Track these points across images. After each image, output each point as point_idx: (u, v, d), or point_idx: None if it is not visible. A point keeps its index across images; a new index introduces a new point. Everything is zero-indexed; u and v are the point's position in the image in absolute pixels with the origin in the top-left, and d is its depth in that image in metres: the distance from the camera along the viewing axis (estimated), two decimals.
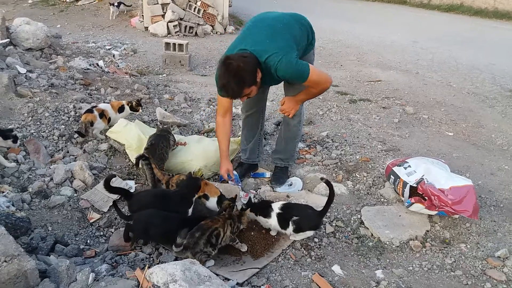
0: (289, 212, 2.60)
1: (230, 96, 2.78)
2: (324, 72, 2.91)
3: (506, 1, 12.16)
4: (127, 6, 8.86)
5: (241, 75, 2.53)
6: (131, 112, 3.98)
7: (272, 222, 2.62)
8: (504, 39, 9.48)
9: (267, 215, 2.63)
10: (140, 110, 4.04)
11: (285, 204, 2.67)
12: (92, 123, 3.57)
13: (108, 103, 3.96)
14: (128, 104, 3.93)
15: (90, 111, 3.62)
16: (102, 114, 3.66)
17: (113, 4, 8.97)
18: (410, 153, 3.93)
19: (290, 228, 2.57)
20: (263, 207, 2.68)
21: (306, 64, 2.70)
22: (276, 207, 2.63)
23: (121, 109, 3.89)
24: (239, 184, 3.19)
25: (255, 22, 2.83)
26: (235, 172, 3.19)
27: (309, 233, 2.65)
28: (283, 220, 2.59)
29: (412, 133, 4.49)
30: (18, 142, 3.21)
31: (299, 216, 2.57)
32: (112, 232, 2.73)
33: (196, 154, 3.41)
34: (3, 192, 2.78)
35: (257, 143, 3.55)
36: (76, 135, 3.62)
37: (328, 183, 2.62)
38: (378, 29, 10.62)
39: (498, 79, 6.57)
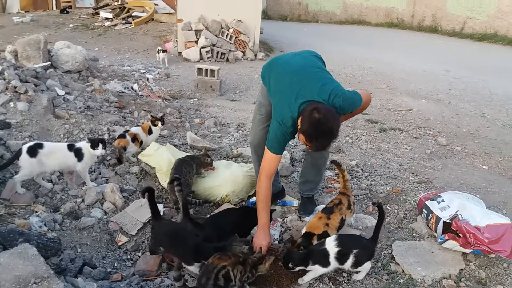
0: (347, 246, 2.49)
1: (315, 150, 2.66)
2: (362, 90, 2.86)
3: None
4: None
5: (334, 132, 2.44)
6: (160, 129, 4.02)
7: (331, 267, 2.51)
8: None
9: (325, 263, 2.49)
10: (160, 125, 3.96)
11: (339, 238, 2.54)
12: (125, 148, 3.66)
13: (139, 126, 4.03)
14: (154, 123, 3.92)
15: (122, 136, 3.71)
16: (135, 138, 3.75)
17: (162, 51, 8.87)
18: (443, 186, 3.82)
19: (349, 262, 2.48)
20: (316, 254, 2.52)
21: (354, 91, 2.70)
22: (331, 246, 2.50)
23: (150, 131, 3.95)
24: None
25: (294, 74, 2.68)
26: None
27: (368, 265, 2.57)
28: (341, 256, 2.48)
29: (445, 165, 4.37)
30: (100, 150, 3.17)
31: (357, 248, 2.49)
32: (139, 256, 2.75)
33: (224, 179, 3.41)
34: (36, 212, 2.85)
35: (276, 173, 3.48)
36: (113, 161, 3.69)
37: (379, 207, 2.62)
38: (408, 57, 10.54)
39: None
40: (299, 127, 2.49)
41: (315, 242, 2.69)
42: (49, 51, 5.79)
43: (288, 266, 2.50)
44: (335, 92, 2.57)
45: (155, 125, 3.96)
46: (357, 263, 2.49)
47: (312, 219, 2.88)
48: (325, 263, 2.48)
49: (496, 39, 12.80)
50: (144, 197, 2.79)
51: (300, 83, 2.61)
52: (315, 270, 2.50)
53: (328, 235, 2.71)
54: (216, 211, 3.16)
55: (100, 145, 3.12)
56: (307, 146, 2.56)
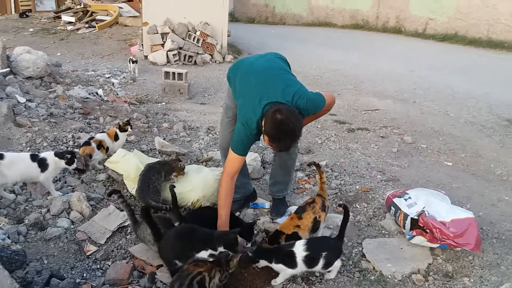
0: (316, 249, 2.50)
1: (279, 150, 2.67)
2: (325, 92, 2.90)
3: (499, 31, 12.39)
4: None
5: (296, 133, 2.47)
6: (126, 135, 3.95)
7: (298, 269, 2.50)
8: (498, 69, 9.60)
9: (291, 264, 2.48)
10: (130, 130, 3.92)
11: (308, 242, 2.54)
12: (90, 156, 3.56)
13: (105, 132, 3.93)
14: (117, 128, 3.88)
15: (87, 143, 3.61)
16: (100, 145, 3.66)
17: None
18: (410, 183, 3.91)
19: (320, 264, 2.49)
20: (282, 253, 2.52)
21: (317, 93, 2.75)
22: (299, 249, 2.48)
23: (116, 137, 3.87)
24: None
25: (258, 75, 2.72)
26: None
27: (338, 263, 2.59)
28: (310, 260, 2.48)
29: (411, 163, 4.49)
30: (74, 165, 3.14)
31: (326, 249, 2.50)
32: (109, 265, 2.68)
33: (194, 184, 3.38)
34: None
35: (247, 175, 3.48)
36: (81, 174, 3.56)
37: (345, 208, 2.68)
38: (374, 58, 10.78)
39: (494, 108, 6.62)
40: (263, 128, 2.52)
41: (282, 241, 2.69)
42: (8, 57, 5.58)
43: (253, 257, 2.53)
44: (298, 94, 2.61)
45: (125, 131, 3.89)
46: (327, 264, 2.51)
47: (285, 219, 2.90)
48: (290, 264, 2.47)
49: (456, 39, 13.26)
50: (110, 197, 2.73)
51: (264, 84, 2.64)
52: (283, 271, 2.50)
53: (299, 236, 2.72)
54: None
55: (75, 160, 3.09)
56: (271, 147, 2.60)
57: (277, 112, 2.41)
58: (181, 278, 2.22)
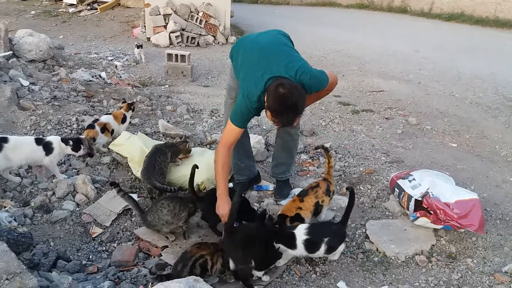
0: (318, 234, 2.48)
1: (282, 125, 2.65)
2: (328, 71, 2.84)
3: (506, 10, 12.19)
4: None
5: (299, 107, 2.44)
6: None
7: (298, 252, 2.48)
8: (505, 48, 9.48)
9: (291, 245, 2.47)
10: (130, 112, 4.00)
11: (310, 227, 2.52)
12: (94, 139, 3.56)
13: (110, 114, 3.92)
14: (126, 110, 3.92)
15: (91, 126, 3.61)
16: (104, 128, 3.65)
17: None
18: (414, 165, 3.90)
19: (322, 250, 2.47)
20: (283, 234, 2.53)
21: (321, 70, 2.70)
22: (300, 233, 2.47)
23: (123, 119, 3.89)
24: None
25: (261, 50, 2.68)
26: None
27: (342, 246, 2.58)
28: (312, 245, 2.46)
29: (416, 145, 4.47)
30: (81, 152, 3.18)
31: (329, 235, 2.48)
32: (115, 247, 2.71)
33: (199, 166, 3.38)
34: (5, 207, 2.77)
35: (251, 158, 3.48)
36: (87, 157, 3.54)
37: (351, 192, 2.62)
38: (379, 38, 10.64)
39: (500, 89, 6.55)
40: (265, 103, 2.50)
41: (288, 223, 2.70)
42: (10, 40, 5.54)
43: None
44: (302, 69, 2.58)
45: (132, 110, 4.01)
46: (330, 249, 2.50)
47: (288, 202, 2.90)
48: (289, 245, 2.47)
49: (463, 19, 13.07)
50: (117, 187, 2.72)
51: (267, 59, 2.61)
52: (284, 252, 2.50)
53: (301, 218, 2.72)
54: None
55: (82, 146, 3.11)
56: (274, 122, 2.57)
57: (280, 86, 2.39)
58: (184, 260, 2.25)
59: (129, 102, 4.01)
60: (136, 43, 8.04)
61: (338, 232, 2.57)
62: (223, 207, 2.63)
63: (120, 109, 3.94)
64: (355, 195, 3.33)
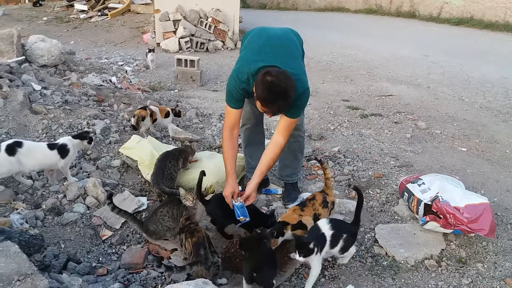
0: (339, 229, 2.46)
1: (271, 114, 2.60)
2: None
3: None
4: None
5: (289, 93, 2.42)
6: (175, 117, 4.54)
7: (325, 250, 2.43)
8: None
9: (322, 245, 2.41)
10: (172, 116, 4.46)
11: (331, 221, 2.49)
12: (143, 118, 4.09)
13: (156, 106, 4.43)
14: (172, 111, 4.44)
15: (144, 108, 4.21)
16: (151, 115, 4.19)
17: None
18: (424, 169, 3.88)
19: (339, 246, 2.45)
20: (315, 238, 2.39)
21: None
22: (325, 228, 2.44)
23: (166, 115, 4.34)
24: (247, 218, 2.68)
25: (268, 39, 2.72)
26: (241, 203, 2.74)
27: (353, 249, 2.59)
28: (334, 239, 2.44)
29: (425, 149, 4.45)
30: (93, 143, 3.32)
31: (346, 232, 2.48)
32: (124, 250, 2.74)
33: (207, 170, 3.37)
34: (17, 209, 2.80)
35: None
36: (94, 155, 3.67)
37: (357, 190, 2.62)
38: (388, 43, 10.63)
39: (510, 93, 6.50)
40: (254, 94, 2.50)
41: (288, 231, 2.63)
42: (23, 46, 5.63)
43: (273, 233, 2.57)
44: (304, 80, 2.61)
45: (179, 116, 4.60)
46: (344, 248, 2.50)
47: (287, 211, 2.85)
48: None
49: (472, 23, 13.00)
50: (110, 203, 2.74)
51: (272, 48, 2.64)
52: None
53: (304, 225, 2.67)
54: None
55: (91, 138, 3.23)
56: (265, 112, 2.57)
57: (267, 75, 2.38)
58: (203, 245, 2.39)
59: (175, 107, 4.61)
60: (148, 48, 8.08)
61: (353, 231, 2.58)
62: (228, 189, 2.69)
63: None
64: (364, 199, 3.35)
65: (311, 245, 2.27)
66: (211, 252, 2.37)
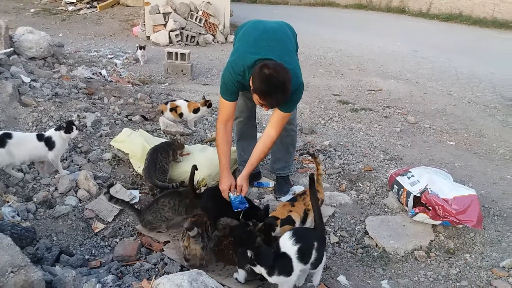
0: (307, 241, 2.18)
1: (269, 107, 2.60)
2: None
3: (504, 10, 12.25)
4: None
5: (286, 85, 2.41)
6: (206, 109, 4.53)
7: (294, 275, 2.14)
8: (502, 48, 9.54)
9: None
10: (206, 108, 4.49)
11: (294, 233, 2.20)
12: (162, 112, 4.33)
13: (186, 101, 4.53)
14: (202, 104, 4.43)
15: (165, 103, 4.42)
16: (173, 109, 4.35)
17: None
18: (413, 162, 3.94)
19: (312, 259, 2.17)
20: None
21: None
22: (286, 243, 2.16)
23: (196, 110, 4.40)
24: (246, 204, 2.73)
25: (263, 32, 2.72)
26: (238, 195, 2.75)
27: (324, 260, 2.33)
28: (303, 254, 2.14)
29: (414, 143, 4.51)
30: (74, 131, 3.08)
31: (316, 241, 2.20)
32: (117, 242, 2.74)
33: (199, 163, 3.37)
34: (8, 202, 2.78)
35: None
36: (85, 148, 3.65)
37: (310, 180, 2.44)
38: (377, 38, 10.68)
39: (498, 88, 6.61)
40: (251, 87, 2.50)
41: (277, 226, 2.59)
42: (10, 37, 5.54)
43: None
44: (299, 75, 2.62)
45: (209, 106, 4.50)
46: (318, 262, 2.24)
47: (277, 207, 2.86)
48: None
49: (461, 19, 13.14)
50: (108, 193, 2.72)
51: (267, 41, 2.64)
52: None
53: (293, 220, 2.64)
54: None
55: (74, 127, 3.06)
56: (263, 106, 2.57)
57: (264, 67, 2.38)
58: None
59: (206, 99, 4.49)
60: (138, 44, 7.90)
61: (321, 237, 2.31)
62: (223, 182, 2.70)
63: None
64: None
65: (248, 254, 2.08)
66: (207, 236, 2.41)
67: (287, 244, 2.14)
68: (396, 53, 9.12)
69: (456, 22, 13.04)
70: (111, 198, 2.71)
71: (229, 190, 2.70)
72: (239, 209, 2.68)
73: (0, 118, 3.59)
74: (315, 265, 2.19)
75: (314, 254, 2.16)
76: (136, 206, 3.05)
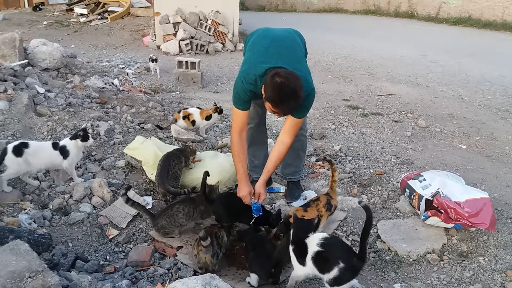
0: (332, 252, 2.09)
1: (282, 115, 2.63)
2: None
3: None
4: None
5: (298, 93, 2.44)
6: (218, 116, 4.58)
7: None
8: None
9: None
10: (217, 115, 4.55)
11: (326, 240, 2.15)
12: (176, 120, 4.43)
13: (199, 108, 4.60)
14: (213, 111, 4.48)
15: (178, 111, 4.53)
16: (186, 116, 4.42)
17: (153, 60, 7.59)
18: (424, 166, 3.93)
19: (332, 273, 2.04)
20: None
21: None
22: (313, 241, 2.16)
23: (208, 117, 4.46)
24: (260, 212, 2.78)
25: (272, 40, 2.76)
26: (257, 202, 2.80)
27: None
28: (323, 262, 2.09)
29: (425, 147, 4.50)
30: (90, 140, 3.16)
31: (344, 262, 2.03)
32: (131, 248, 2.77)
33: (211, 169, 3.41)
34: (25, 209, 2.84)
35: (267, 157, 3.50)
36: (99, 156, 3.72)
37: (367, 209, 2.08)
38: (387, 43, 10.68)
39: (509, 91, 6.56)
40: (263, 95, 2.53)
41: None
42: (25, 49, 5.68)
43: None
44: (310, 81, 2.65)
45: (220, 113, 4.55)
46: (338, 281, 2.07)
47: (291, 211, 2.84)
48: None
49: (470, 23, 13.07)
50: (125, 195, 2.77)
51: (277, 50, 2.68)
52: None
53: None
54: None
55: (90, 135, 3.14)
56: (275, 114, 2.60)
57: (276, 76, 2.42)
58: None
59: (217, 106, 4.55)
60: (150, 55, 7.77)
61: (355, 266, 2.08)
62: (243, 189, 2.75)
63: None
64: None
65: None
66: (218, 244, 2.45)
67: (314, 241, 2.15)
68: (405, 58, 9.10)
69: (465, 26, 12.98)
70: (128, 200, 2.75)
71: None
72: (255, 216, 2.72)
73: (16, 128, 3.67)
74: (333, 283, 2.06)
75: (335, 272, 2.02)
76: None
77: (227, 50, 10.10)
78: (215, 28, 9.88)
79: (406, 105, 5.93)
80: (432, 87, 6.95)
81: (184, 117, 4.42)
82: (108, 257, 2.70)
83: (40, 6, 15.45)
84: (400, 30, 12.85)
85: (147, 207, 3.13)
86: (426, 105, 5.95)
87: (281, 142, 2.82)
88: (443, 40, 11.08)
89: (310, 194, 3.44)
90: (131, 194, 3.20)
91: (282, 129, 2.86)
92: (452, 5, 13.91)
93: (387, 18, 15.62)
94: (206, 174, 2.89)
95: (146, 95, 5.96)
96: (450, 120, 5.33)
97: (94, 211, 3.03)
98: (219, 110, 4.50)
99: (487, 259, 2.67)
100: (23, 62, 5.20)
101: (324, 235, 2.21)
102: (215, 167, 3.45)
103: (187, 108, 4.60)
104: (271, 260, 2.36)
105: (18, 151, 2.90)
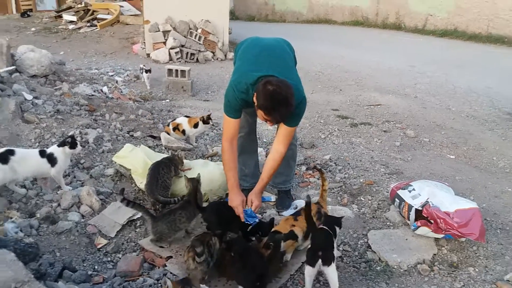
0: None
1: (274, 122, 2.67)
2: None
3: (499, 26, 12.41)
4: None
5: (289, 101, 2.47)
6: (205, 125, 4.48)
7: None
8: (498, 63, 9.63)
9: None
10: (211, 123, 4.51)
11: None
12: (168, 133, 4.39)
13: (187, 116, 4.55)
14: (200, 119, 4.40)
15: (168, 124, 4.51)
16: (175, 128, 4.38)
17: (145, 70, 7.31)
18: (413, 176, 3.96)
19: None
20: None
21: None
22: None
23: (196, 125, 4.39)
24: (256, 219, 2.90)
25: (263, 49, 2.79)
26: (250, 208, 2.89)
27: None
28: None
29: (414, 156, 4.54)
30: (78, 147, 3.12)
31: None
32: (120, 258, 2.73)
33: (201, 178, 3.42)
34: (11, 218, 2.79)
35: (257, 166, 3.53)
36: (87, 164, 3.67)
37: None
38: (375, 54, 10.80)
39: (495, 102, 6.66)
40: (255, 104, 2.55)
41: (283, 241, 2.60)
42: (12, 56, 5.59)
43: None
44: (301, 90, 2.67)
45: (208, 123, 4.45)
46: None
47: (280, 221, 2.86)
48: None
49: (456, 35, 13.29)
50: (121, 196, 2.74)
51: (268, 58, 2.72)
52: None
53: (295, 235, 2.66)
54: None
55: (78, 142, 3.10)
56: (267, 122, 2.62)
57: (268, 84, 2.45)
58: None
59: (206, 115, 4.47)
60: (143, 66, 7.51)
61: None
62: (235, 199, 2.75)
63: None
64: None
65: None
66: (209, 252, 2.41)
67: None
68: (393, 69, 9.21)
69: (452, 38, 13.19)
70: (128, 203, 2.73)
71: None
72: (250, 223, 2.73)
73: (3, 135, 3.61)
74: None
75: None
76: (138, 222, 3.07)
77: (217, 59, 10.12)
78: (205, 37, 9.90)
79: (394, 115, 5.99)
80: (420, 97, 7.04)
81: (174, 129, 4.40)
82: (96, 267, 2.65)
83: (28, 13, 15.35)
84: (388, 42, 13.02)
85: (136, 216, 3.10)
86: (415, 115, 6.02)
87: (275, 152, 2.83)
88: (430, 51, 11.25)
89: (300, 203, 3.43)
90: (119, 203, 3.16)
91: (275, 138, 2.88)
92: (438, 17, 14.15)
93: (375, 29, 15.81)
94: (197, 182, 2.88)
95: (135, 103, 5.92)
96: (439, 131, 5.39)
97: (82, 220, 2.98)
98: (203, 120, 4.41)
99: (477, 270, 2.68)
100: (10, 68, 5.12)
101: None
102: (205, 175, 3.42)
103: (174, 119, 4.57)
104: (256, 272, 2.31)
105: (4, 158, 2.84)
